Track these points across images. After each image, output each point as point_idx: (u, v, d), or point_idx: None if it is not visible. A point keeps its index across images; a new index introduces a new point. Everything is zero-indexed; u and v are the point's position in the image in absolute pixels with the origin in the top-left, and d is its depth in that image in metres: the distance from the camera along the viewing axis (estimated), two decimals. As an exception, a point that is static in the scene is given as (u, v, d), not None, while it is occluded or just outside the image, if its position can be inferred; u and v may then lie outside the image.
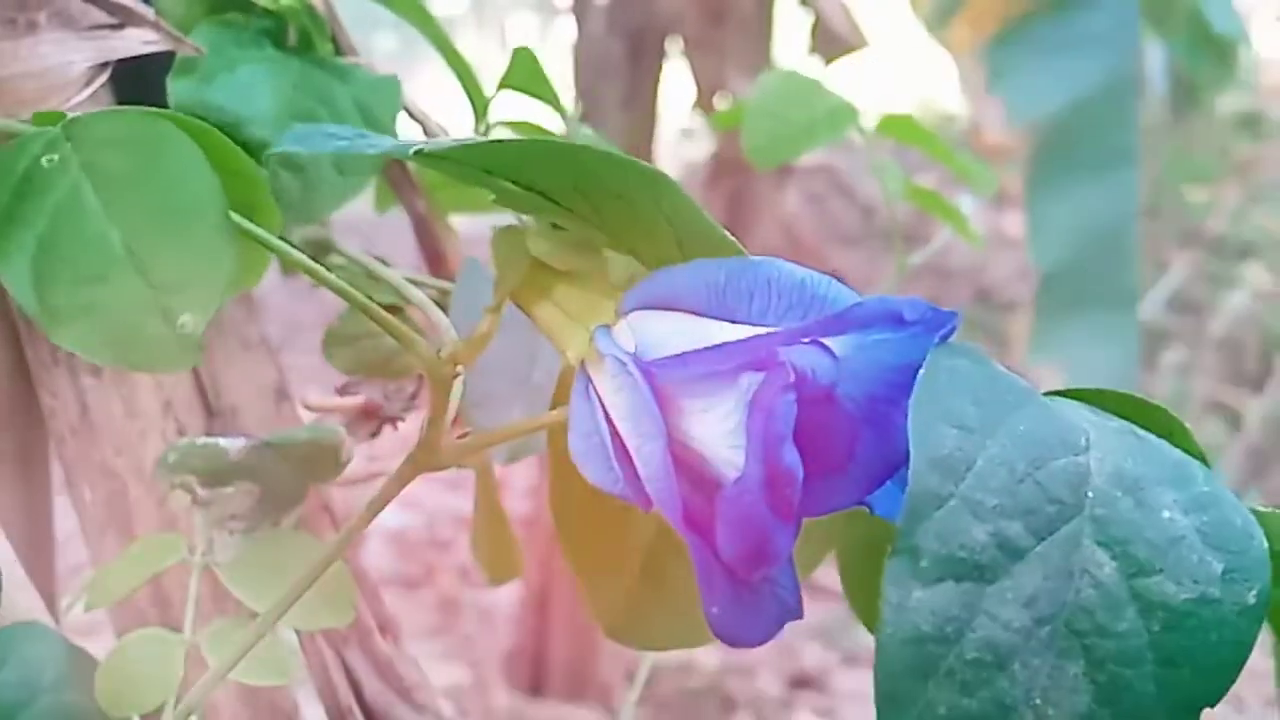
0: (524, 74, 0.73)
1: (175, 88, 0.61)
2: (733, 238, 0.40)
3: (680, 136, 5.25)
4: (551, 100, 0.75)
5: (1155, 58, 3.59)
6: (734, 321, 0.37)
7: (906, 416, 0.33)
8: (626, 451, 0.37)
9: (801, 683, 2.88)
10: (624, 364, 0.37)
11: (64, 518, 0.72)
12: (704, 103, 2.64)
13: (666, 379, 0.36)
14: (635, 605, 0.54)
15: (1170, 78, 3.67)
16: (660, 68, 2.54)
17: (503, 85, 0.74)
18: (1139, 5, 2.45)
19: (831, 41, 2.49)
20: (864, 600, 0.55)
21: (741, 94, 2.42)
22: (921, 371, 0.34)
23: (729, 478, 0.35)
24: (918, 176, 1.02)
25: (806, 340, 0.35)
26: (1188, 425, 0.40)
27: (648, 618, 0.55)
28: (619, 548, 0.54)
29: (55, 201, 0.42)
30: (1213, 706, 0.34)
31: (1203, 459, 0.38)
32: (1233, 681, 0.34)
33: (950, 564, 0.32)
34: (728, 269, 0.37)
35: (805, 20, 2.57)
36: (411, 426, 0.57)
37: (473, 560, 0.83)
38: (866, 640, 0.38)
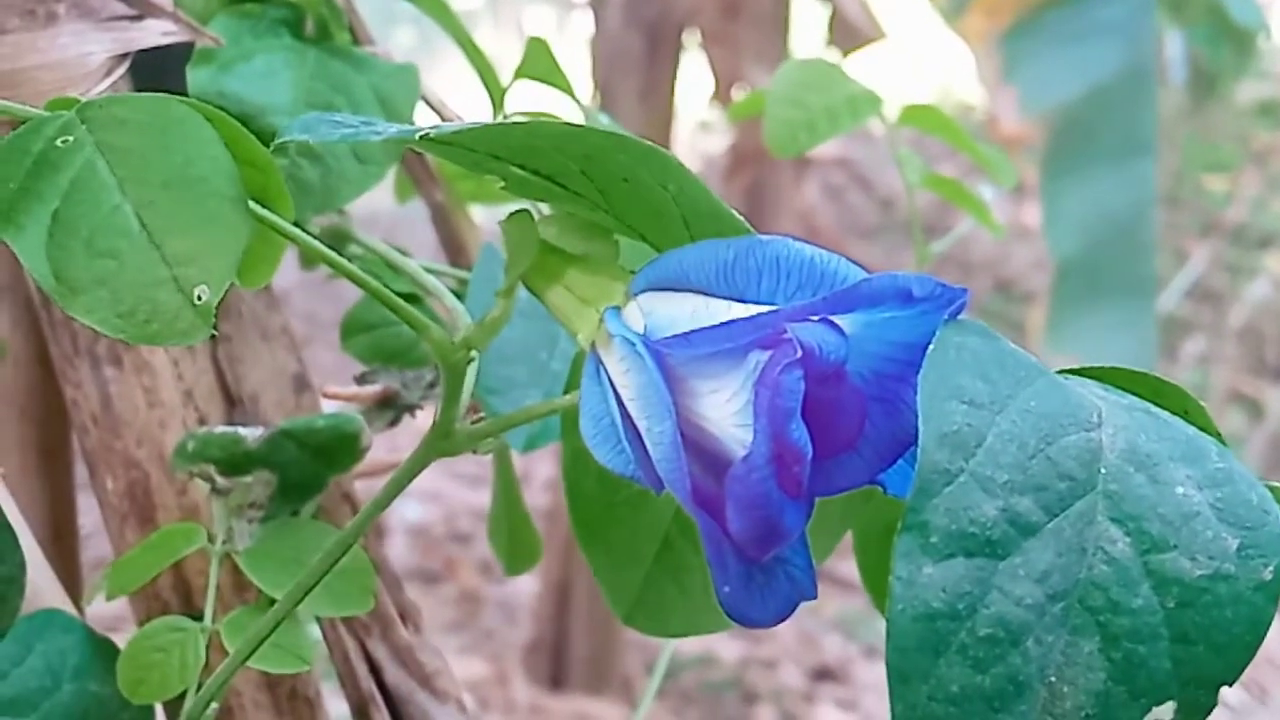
0: (538, 63, 0.73)
1: (193, 77, 0.61)
2: (740, 217, 0.40)
3: (698, 129, 5.24)
4: (564, 87, 0.75)
5: (1174, 46, 3.58)
6: (743, 301, 0.37)
7: (916, 393, 0.33)
8: (637, 433, 0.37)
9: (823, 675, 2.88)
10: (633, 344, 0.37)
11: (86, 512, 0.73)
12: (722, 95, 2.64)
13: (676, 359, 0.36)
14: (651, 592, 0.54)
15: (1189, 66, 3.65)
16: (678, 61, 2.53)
17: (519, 75, 0.74)
18: (1156, -6, 2.44)
19: (848, 33, 2.49)
20: (878, 582, 0.55)
21: (759, 86, 2.42)
22: (930, 348, 0.34)
23: (739, 456, 0.35)
24: (935, 169, 1.01)
25: (815, 317, 0.35)
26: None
27: (664, 604, 0.55)
28: (634, 534, 0.54)
29: (70, 178, 0.43)
30: (1230, 684, 0.34)
31: (1218, 437, 0.38)
32: (1250, 658, 0.34)
33: (960, 540, 0.32)
34: (736, 248, 0.37)
35: (822, 12, 2.57)
36: (430, 415, 0.57)
37: (493, 554, 0.83)
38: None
